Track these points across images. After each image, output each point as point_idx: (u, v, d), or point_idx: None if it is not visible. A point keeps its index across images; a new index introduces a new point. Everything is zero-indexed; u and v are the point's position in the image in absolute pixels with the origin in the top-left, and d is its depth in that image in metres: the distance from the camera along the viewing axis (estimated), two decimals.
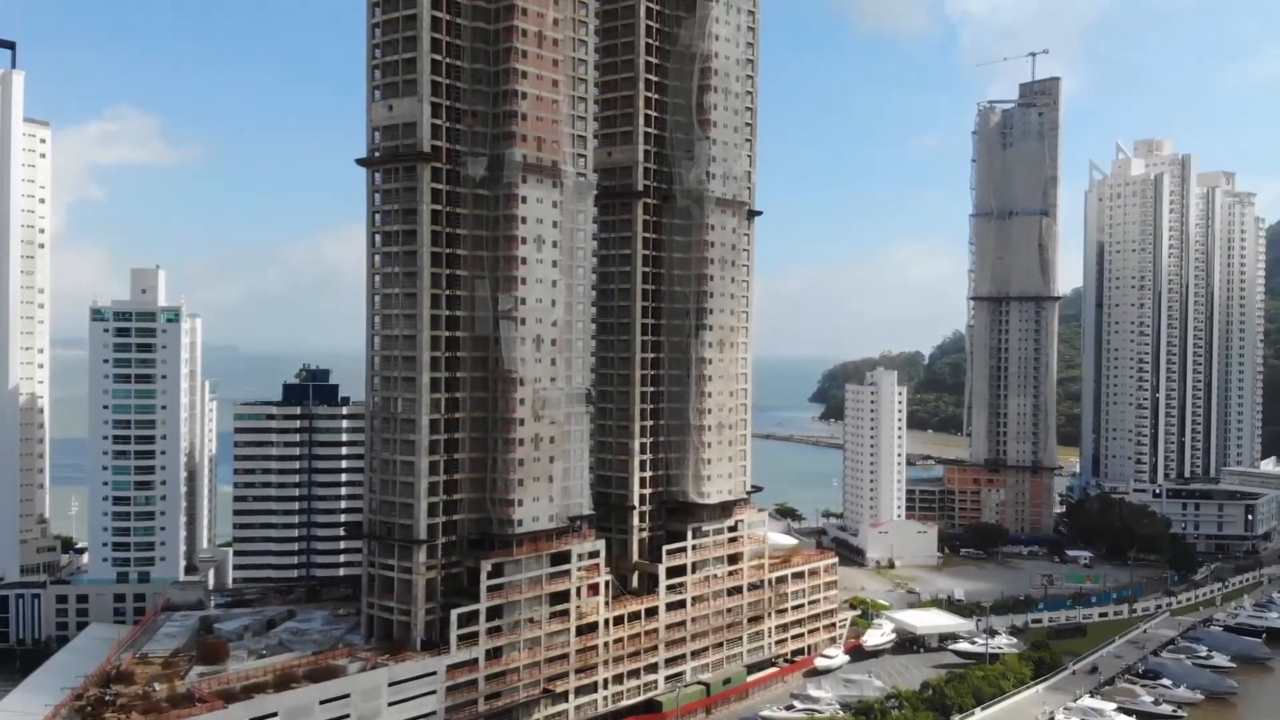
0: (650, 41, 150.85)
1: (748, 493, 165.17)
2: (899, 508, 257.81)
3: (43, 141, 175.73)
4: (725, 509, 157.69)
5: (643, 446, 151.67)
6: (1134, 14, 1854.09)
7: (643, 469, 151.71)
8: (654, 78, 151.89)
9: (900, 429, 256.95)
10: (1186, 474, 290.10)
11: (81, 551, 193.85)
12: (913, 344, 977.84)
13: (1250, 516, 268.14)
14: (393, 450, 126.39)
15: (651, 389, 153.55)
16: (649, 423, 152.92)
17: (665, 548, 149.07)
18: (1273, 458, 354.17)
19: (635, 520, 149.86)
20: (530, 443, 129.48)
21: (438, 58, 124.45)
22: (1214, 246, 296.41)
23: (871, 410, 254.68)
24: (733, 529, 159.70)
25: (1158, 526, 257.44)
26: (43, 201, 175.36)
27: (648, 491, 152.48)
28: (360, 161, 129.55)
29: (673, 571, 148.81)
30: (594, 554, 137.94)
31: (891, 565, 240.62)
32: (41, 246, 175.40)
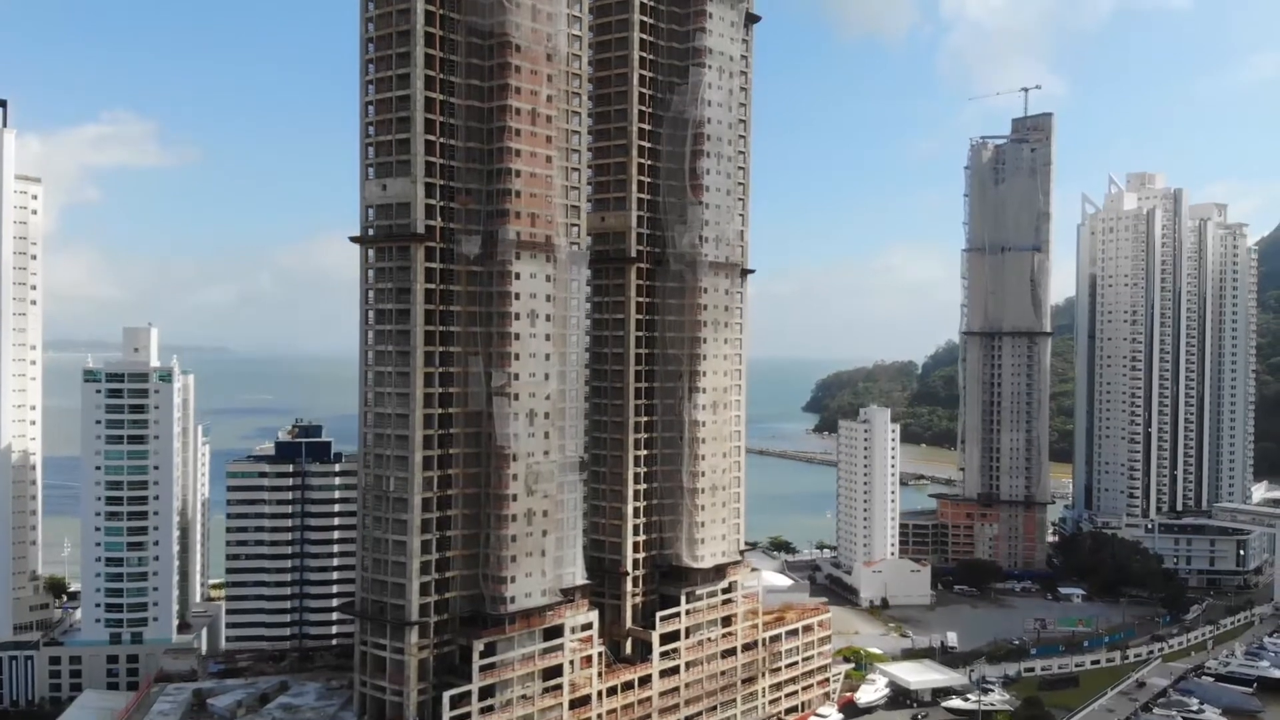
0: (643, 108, 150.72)
1: (741, 552, 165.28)
2: (892, 545, 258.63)
3: (34, 198, 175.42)
4: (719, 571, 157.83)
5: (636, 510, 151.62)
6: (1124, 22, 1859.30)
7: (636, 533, 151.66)
8: (646, 144, 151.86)
9: (893, 467, 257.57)
10: (1179, 507, 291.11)
11: (74, 595, 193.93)
12: (906, 348, 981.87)
13: (1242, 552, 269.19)
14: (385, 529, 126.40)
15: (645, 452, 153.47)
16: (642, 486, 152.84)
17: (659, 614, 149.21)
18: (1264, 483, 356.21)
19: (628, 586, 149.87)
20: (523, 518, 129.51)
21: (431, 138, 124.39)
22: (1206, 280, 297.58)
23: (865, 448, 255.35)
24: (726, 590, 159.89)
25: (1150, 564, 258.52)
26: (34, 258, 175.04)
27: (641, 555, 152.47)
28: (354, 239, 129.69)
29: (666, 638, 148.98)
30: (587, 625, 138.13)
31: (885, 605, 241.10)
32: (33, 303, 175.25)
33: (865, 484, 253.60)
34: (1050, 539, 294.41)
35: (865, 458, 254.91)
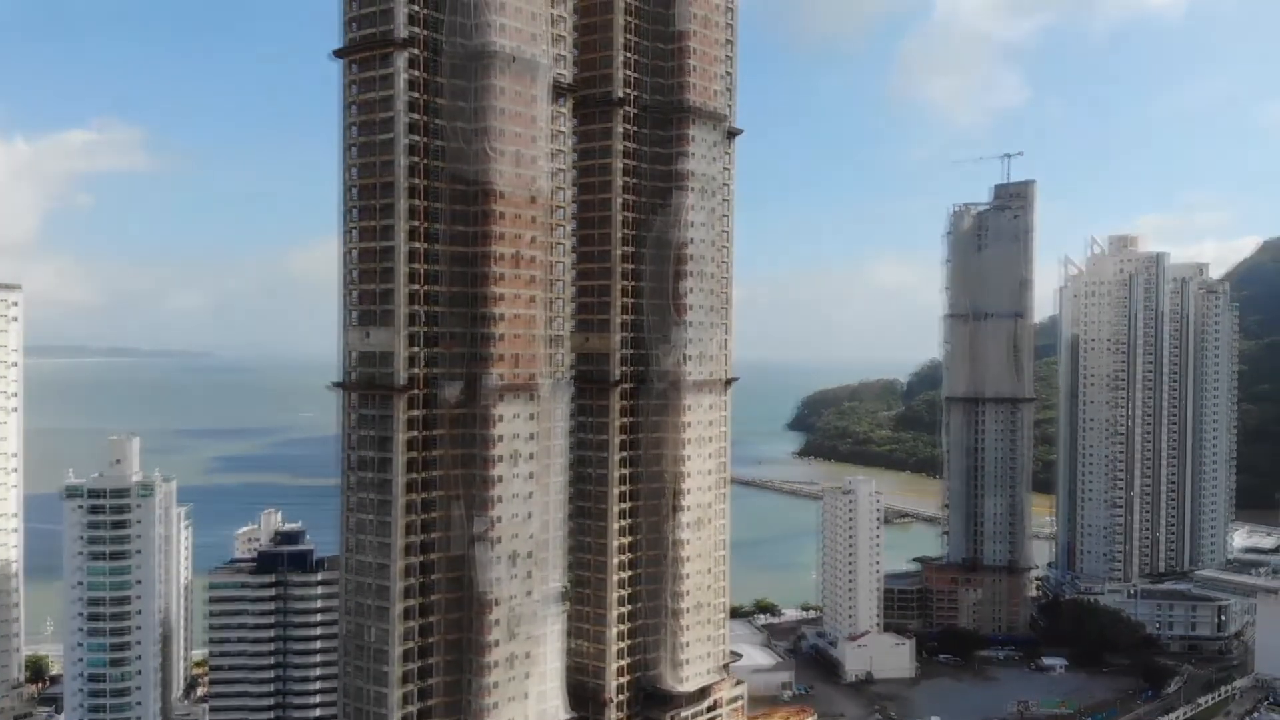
0: (626, 232, 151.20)
1: (725, 665, 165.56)
2: (876, 615, 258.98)
3: (15, 305, 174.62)
4: (703, 692, 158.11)
5: (619, 634, 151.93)
6: (1112, 33, 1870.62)
7: (619, 657, 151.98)
8: (629, 265, 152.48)
9: (878, 538, 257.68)
10: (1161, 569, 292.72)
11: (56, 679, 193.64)
12: (888, 356, 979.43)
13: (1222, 617, 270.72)
14: (365, 679, 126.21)
15: (628, 574, 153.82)
16: (625, 609, 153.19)
17: None
18: (1245, 527, 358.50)
19: (611, 713, 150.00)
20: (504, 664, 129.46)
21: (415, 287, 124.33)
22: (1188, 343, 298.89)
23: (850, 521, 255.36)
24: (711, 708, 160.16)
25: (1132, 634, 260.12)
26: (15, 365, 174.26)
27: (624, 680, 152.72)
28: (335, 385, 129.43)
29: None
30: None
31: (869, 680, 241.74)
32: (14, 410, 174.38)
33: (850, 558, 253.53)
34: (1033, 595, 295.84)
35: (850, 530, 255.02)
